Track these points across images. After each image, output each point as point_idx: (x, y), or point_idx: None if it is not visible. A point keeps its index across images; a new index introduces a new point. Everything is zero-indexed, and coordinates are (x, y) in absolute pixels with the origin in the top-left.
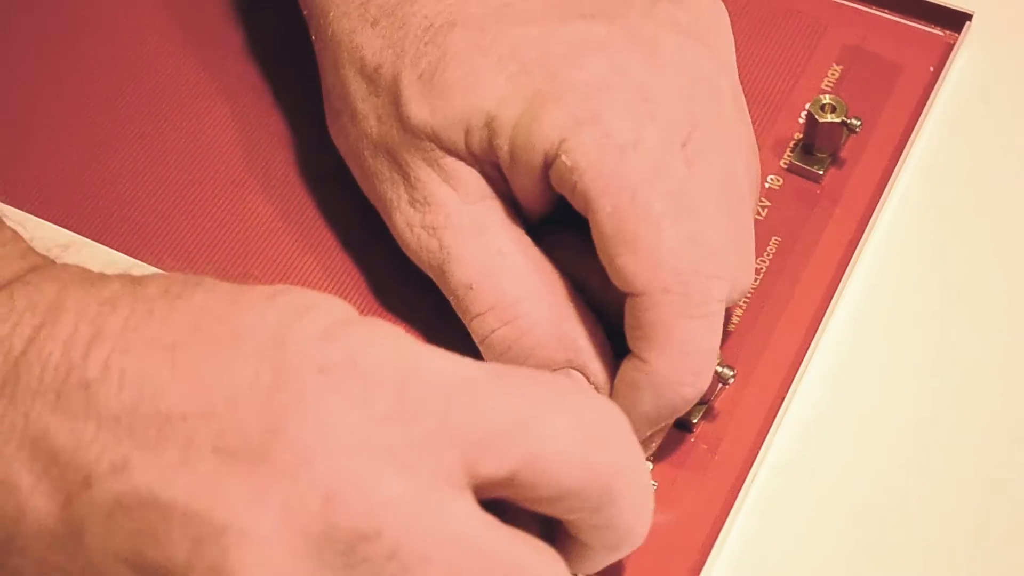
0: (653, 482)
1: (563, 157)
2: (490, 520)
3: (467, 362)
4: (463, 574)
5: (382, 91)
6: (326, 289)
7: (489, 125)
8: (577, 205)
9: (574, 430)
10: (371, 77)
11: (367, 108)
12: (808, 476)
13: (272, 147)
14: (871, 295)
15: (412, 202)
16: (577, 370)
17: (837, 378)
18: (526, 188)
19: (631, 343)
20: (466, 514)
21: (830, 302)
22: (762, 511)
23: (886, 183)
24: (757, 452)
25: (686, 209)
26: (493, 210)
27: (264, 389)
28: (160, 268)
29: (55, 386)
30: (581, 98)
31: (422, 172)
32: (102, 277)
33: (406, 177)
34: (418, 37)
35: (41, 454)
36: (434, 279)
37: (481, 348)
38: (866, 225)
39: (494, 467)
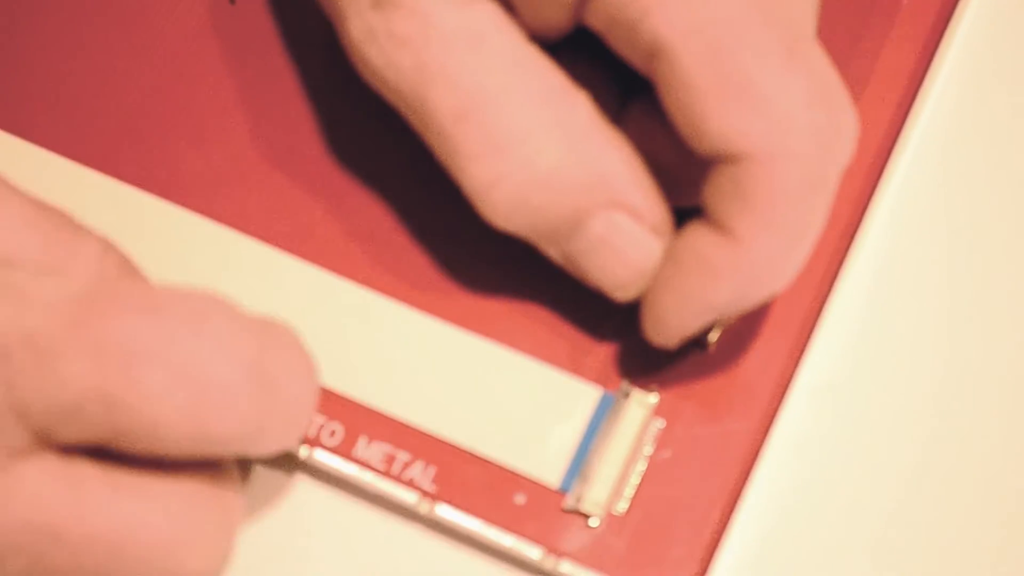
0: (662, 420)
1: None
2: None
3: (27, 308)
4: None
5: None
6: None
7: None
8: (634, 50)
9: (178, 386)
10: None
11: None
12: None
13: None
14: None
15: (377, 2)
16: (623, 212)
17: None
18: (537, 7)
19: (715, 216)
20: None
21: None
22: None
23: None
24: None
25: (810, 40)
26: (490, 14)
27: None
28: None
29: None
30: None
31: None
32: None
33: None
34: None
35: None
36: (403, 112)
37: (479, 206)
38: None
39: (75, 436)
